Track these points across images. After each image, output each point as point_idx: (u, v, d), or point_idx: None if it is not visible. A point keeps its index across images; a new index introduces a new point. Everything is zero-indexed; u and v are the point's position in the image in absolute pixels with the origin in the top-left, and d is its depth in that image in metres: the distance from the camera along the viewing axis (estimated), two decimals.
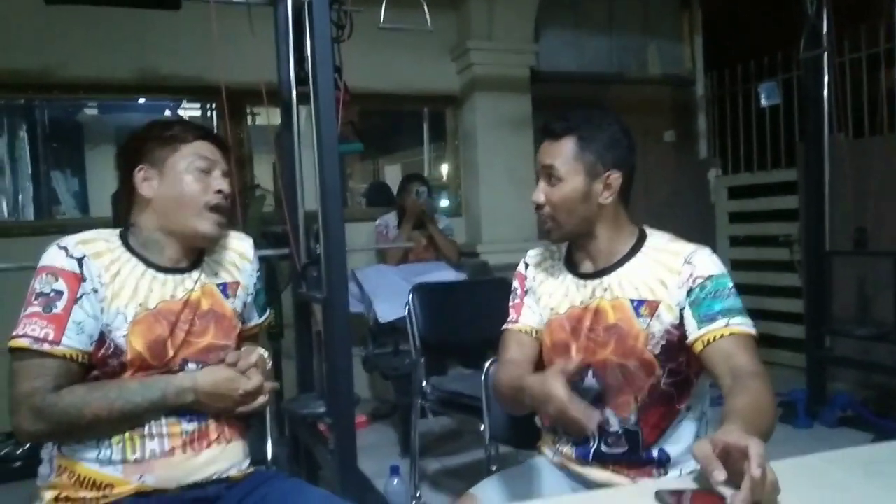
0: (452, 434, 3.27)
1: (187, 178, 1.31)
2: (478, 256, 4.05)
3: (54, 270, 1.21)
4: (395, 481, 2.36)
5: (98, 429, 1.20)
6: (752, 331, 1.23)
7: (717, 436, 0.93)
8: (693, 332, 1.24)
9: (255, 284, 1.50)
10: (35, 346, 1.17)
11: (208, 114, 4.02)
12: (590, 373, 1.34)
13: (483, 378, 1.68)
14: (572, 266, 1.42)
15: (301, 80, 2.24)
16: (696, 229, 4.92)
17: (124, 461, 1.22)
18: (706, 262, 1.28)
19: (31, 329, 1.17)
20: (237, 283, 1.43)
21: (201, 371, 1.29)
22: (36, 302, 1.20)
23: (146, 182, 1.31)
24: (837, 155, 3.50)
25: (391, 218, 3.79)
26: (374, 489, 2.00)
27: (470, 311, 2.59)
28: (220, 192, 1.34)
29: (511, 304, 1.50)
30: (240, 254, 1.47)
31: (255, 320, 1.53)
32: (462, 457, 3.06)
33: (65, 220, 3.73)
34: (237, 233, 1.48)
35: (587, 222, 1.34)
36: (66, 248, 1.23)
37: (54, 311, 1.19)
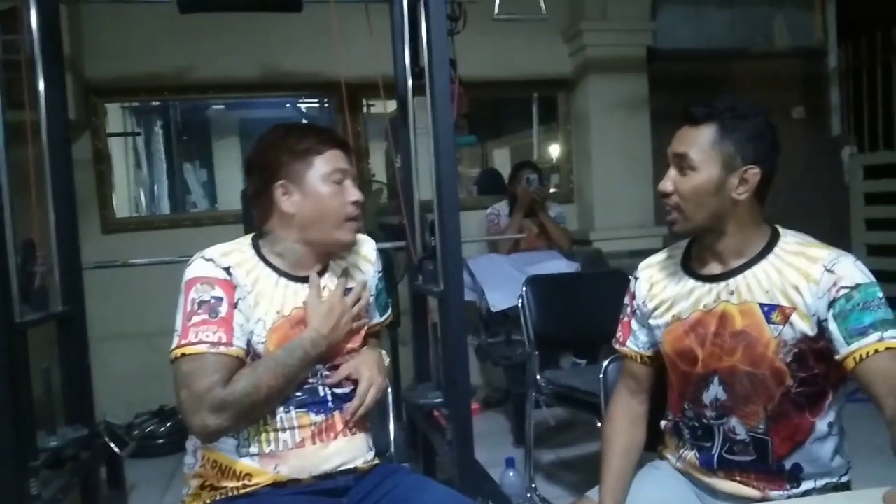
0: (567, 425, 3.25)
1: (326, 193, 1.36)
2: (591, 244, 3.97)
3: (209, 280, 1.28)
4: (511, 473, 2.38)
5: (272, 400, 1.27)
6: None
7: None
8: (842, 347, 1.15)
9: (376, 285, 1.54)
10: (212, 350, 1.22)
11: (326, 106, 4.15)
12: (715, 380, 1.29)
13: (601, 375, 1.64)
14: (694, 268, 1.36)
15: (416, 75, 2.28)
16: (828, 211, 4.63)
17: (260, 453, 1.29)
18: (851, 271, 1.18)
19: (204, 336, 1.22)
20: (361, 286, 1.48)
21: (310, 320, 1.35)
22: (200, 310, 1.24)
23: (286, 197, 1.35)
24: None
25: (502, 206, 3.79)
26: (492, 480, 2.02)
27: (584, 304, 2.55)
28: (355, 202, 1.39)
29: (621, 319, 1.48)
30: (363, 256, 1.52)
31: (377, 319, 1.58)
32: (577, 448, 3.03)
33: (198, 214, 3.97)
34: (361, 235, 1.52)
35: (716, 217, 1.26)
36: (212, 260, 1.30)
37: (220, 315, 1.25)
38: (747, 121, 1.24)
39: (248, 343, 1.29)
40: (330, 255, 1.44)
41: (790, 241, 1.27)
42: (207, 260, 1.30)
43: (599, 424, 1.92)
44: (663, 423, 1.44)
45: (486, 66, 3.80)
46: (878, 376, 1.10)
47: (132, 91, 3.72)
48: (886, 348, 1.11)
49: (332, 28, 2.15)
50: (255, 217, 1.43)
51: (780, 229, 1.31)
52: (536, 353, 2.51)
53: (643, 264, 1.46)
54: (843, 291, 1.16)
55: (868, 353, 1.12)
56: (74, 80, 3.33)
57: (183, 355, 1.22)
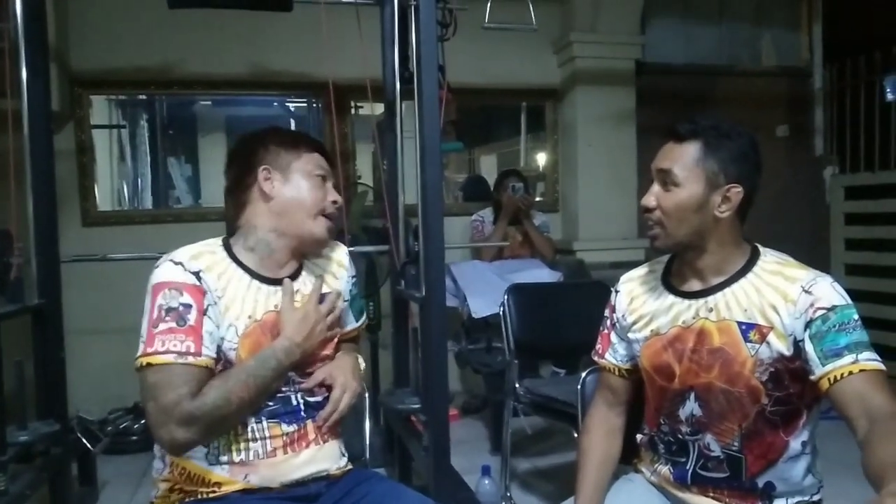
0: (544, 433, 3.25)
1: (308, 183, 1.38)
2: (574, 254, 3.99)
3: (177, 285, 1.23)
4: (487, 482, 2.38)
5: (243, 411, 1.25)
6: (883, 367, 1.14)
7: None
8: (817, 367, 1.15)
9: (350, 291, 1.53)
10: (180, 360, 1.18)
11: (314, 107, 4.13)
12: (692, 396, 1.30)
13: (579, 386, 1.65)
14: (674, 284, 1.36)
15: (405, 79, 2.28)
16: (809, 230, 4.68)
17: (230, 462, 1.27)
18: (828, 292, 1.18)
19: (172, 345, 1.19)
20: (334, 292, 1.46)
21: (284, 327, 1.33)
22: (167, 318, 1.20)
23: (268, 181, 1.36)
24: None
25: (487, 213, 3.79)
26: (467, 488, 2.02)
27: (565, 314, 2.56)
28: (335, 202, 1.40)
29: (600, 331, 1.49)
30: (337, 262, 1.51)
31: (352, 325, 1.56)
32: (554, 457, 3.04)
33: (181, 210, 3.94)
34: (333, 241, 1.51)
35: (698, 235, 1.26)
36: (181, 264, 1.26)
37: (188, 323, 1.21)
38: (731, 140, 1.25)
39: (219, 349, 1.26)
40: (302, 255, 1.43)
41: (769, 261, 1.28)
42: (176, 263, 1.26)
43: (576, 435, 1.93)
44: (639, 436, 1.45)
45: (475, 74, 3.81)
46: (852, 398, 1.11)
47: (118, 84, 3.69)
48: (861, 370, 1.12)
49: (322, 29, 2.15)
50: (230, 213, 1.42)
51: (760, 248, 1.31)
52: (516, 361, 2.51)
53: (624, 278, 1.47)
54: (819, 312, 1.17)
55: (843, 374, 1.13)
56: (59, 71, 3.30)
57: (149, 364, 1.19)
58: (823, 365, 1.15)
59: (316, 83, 3.26)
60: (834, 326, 1.16)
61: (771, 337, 1.21)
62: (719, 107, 4.61)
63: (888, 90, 3.86)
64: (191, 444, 1.21)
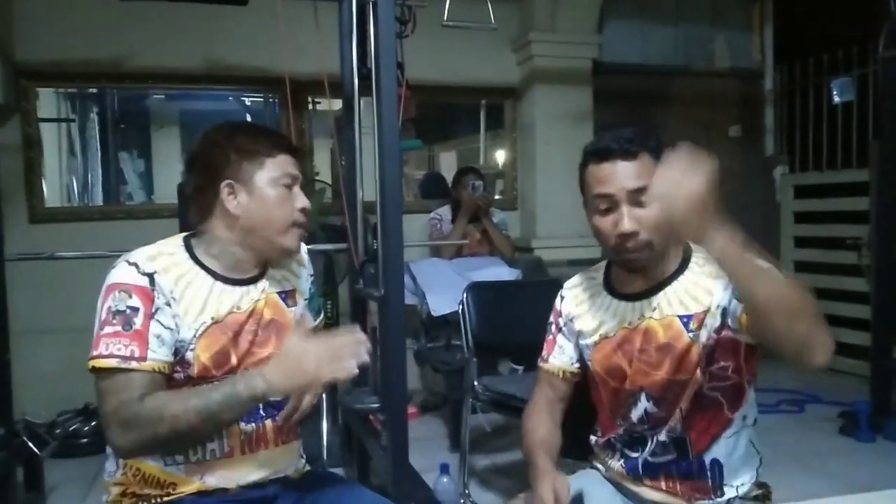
0: (502, 430, 3.27)
1: (274, 197, 1.30)
2: (532, 252, 4.02)
3: (127, 287, 1.21)
4: (445, 479, 2.38)
5: (181, 434, 1.15)
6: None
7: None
8: (737, 311, 1.19)
9: (309, 289, 1.50)
10: (123, 365, 1.16)
11: (270, 102, 4.08)
12: (644, 395, 1.33)
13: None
14: (616, 287, 1.39)
15: (363, 75, 2.26)
16: (759, 228, 4.79)
17: (186, 461, 1.25)
18: None
19: (115, 349, 1.17)
20: (295, 290, 1.44)
21: (271, 366, 1.20)
22: (114, 321, 1.18)
23: (232, 197, 1.29)
24: None
25: (445, 211, 3.79)
26: (425, 486, 2.01)
27: (524, 312, 2.56)
28: (303, 209, 1.34)
29: (546, 337, 1.50)
30: (297, 261, 1.48)
31: (310, 323, 1.53)
32: (512, 454, 3.05)
33: (133, 206, 3.85)
34: None
35: (668, 243, 1.28)
36: (136, 265, 1.23)
37: (134, 327, 1.18)
38: (662, 144, 1.25)
39: (179, 351, 1.23)
40: (269, 261, 1.40)
41: (702, 254, 1.31)
42: (131, 264, 1.23)
43: None
44: (593, 438, 1.47)
45: (434, 71, 3.81)
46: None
47: (67, 76, 3.58)
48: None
49: (279, 23, 2.12)
50: (194, 215, 1.36)
51: (692, 244, 1.34)
52: (475, 359, 2.51)
53: (567, 284, 1.49)
54: None
55: None
56: (3, 62, 3.19)
57: (95, 368, 1.17)
58: (740, 302, 1.18)
59: (272, 78, 3.21)
60: None
61: (706, 319, 1.26)
62: (674, 107, 4.69)
63: (835, 92, 3.97)
64: (131, 450, 1.18)
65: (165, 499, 1.24)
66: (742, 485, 1.32)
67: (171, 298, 1.24)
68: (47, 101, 3.76)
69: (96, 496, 1.31)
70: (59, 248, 2.96)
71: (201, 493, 1.25)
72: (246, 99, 4.23)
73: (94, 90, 3.90)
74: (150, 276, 1.23)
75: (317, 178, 3.78)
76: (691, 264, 1.32)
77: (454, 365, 2.97)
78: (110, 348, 1.17)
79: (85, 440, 3.14)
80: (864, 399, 3.32)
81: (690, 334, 1.26)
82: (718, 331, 1.25)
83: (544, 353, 1.50)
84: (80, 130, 4.13)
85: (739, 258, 1.05)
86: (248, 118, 4.28)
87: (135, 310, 1.19)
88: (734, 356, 1.27)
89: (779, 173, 4.83)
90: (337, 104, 2.61)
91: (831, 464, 2.84)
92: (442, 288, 3.27)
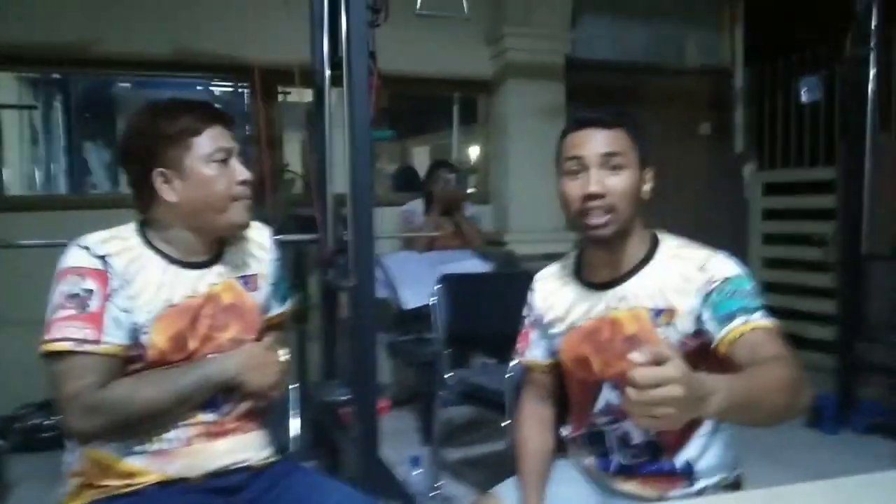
0: (474, 423, 3.27)
1: (209, 176, 1.26)
2: (504, 245, 4.01)
3: (80, 271, 1.19)
4: (417, 472, 2.36)
5: (152, 416, 1.19)
6: (774, 324, 1.18)
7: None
8: (716, 335, 1.19)
9: (275, 273, 1.47)
10: (77, 349, 1.15)
11: (240, 92, 4.02)
12: (608, 385, 1.32)
13: (507, 375, 1.66)
14: (585, 276, 1.38)
15: (335, 65, 2.22)
16: (728, 225, 4.85)
17: (146, 451, 1.22)
18: (722, 266, 1.24)
19: (70, 332, 1.15)
20: (257, 275, 1.41)
21: (240, 354, 1.30)
22: (69, 305, 1.17)
23: (167, 186, 1.26)
24: (879, 155, 3.40)
25: (418, 204, 3.77)
26: (396, 479, 2.00)
27: (496, 304, 2.56)
28: (243, 182, 1.30)
29: (520, 329, 1.50)
30: (259, 244, 1.45)
31: (277, 310, 1.51)
32: (484, 447, 3.05)
33: (97, 195, 3.77)
34: (255, 222, 1.44)
35: (633, 219, 1.28)
36: (87, 248, 1.22)
37: (89, 309, 1.17)
38: (641, 126, 1.30)
39: (135, 335, 1.21)
40: (223, 240, 1.37)
41: (670, 245, 1.32)
42: (83, 247, 1.21)
43: (504, 424, 1.95)
44: (563, 431, 1.46)
45: (408, 62, 3.76)
46: (746, 352, 1.14)
47: (27, 61, 3.47)
48: (752, 329, 1.16)
49: (248, 10, 2.08)
50: (137, 205, 1.32)
51: (659, 234, 1.35)
52: (446, 351, 2.50)
53: (538, 276, 1.49)
54: (715, 285, 1.22)
55: (735, 336, 1.16)
56: None
57: (49, 353, 1.15)
58: (719, 331, 1.19)
59: (242, 66, 3.15)
60: (727, 294, 1.20)
61: (676, 319, 1.25)
62: (645, 104, 4.72)
63: (803, 91, 4.02)
64: (94, 435, 1.18)
65: (126, 489, 1.21)
66: (715, 478, 1.32)
67: (124, 281, 1.22)
68: (8, 87, 3.66)
69: (59, 489, 1.27)
70: (21, 237, 2.87)
71: (163, 484, 1.22)
72: (215, 88, 4.16)
73: (58, 76, 3.82)
74: (103, 258, 1.21)
75: (287, 168, 3.73)
76: (658, 255, 1.31)
77: (425, 358, 2.96)
78: (64, 332, 1.15)
79: (48, 434, 3.05)
80: (830, 392, 3.38)
81: (660, 329, 1.26)
82: (696, 335, 1.24)
83: (519, 346, 1.49)
84: (43, 118, 4.03)
85: (742, 398, 0.97)
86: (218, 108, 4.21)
87: (89, 292, 1.18)
88: (708, 362, 1.24)
89: (748, 171, 4.90)
90: (308, 94, 2.57)
91: (798, 455, 2.88)
92: (413, 281, 3.25)
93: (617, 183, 1.25)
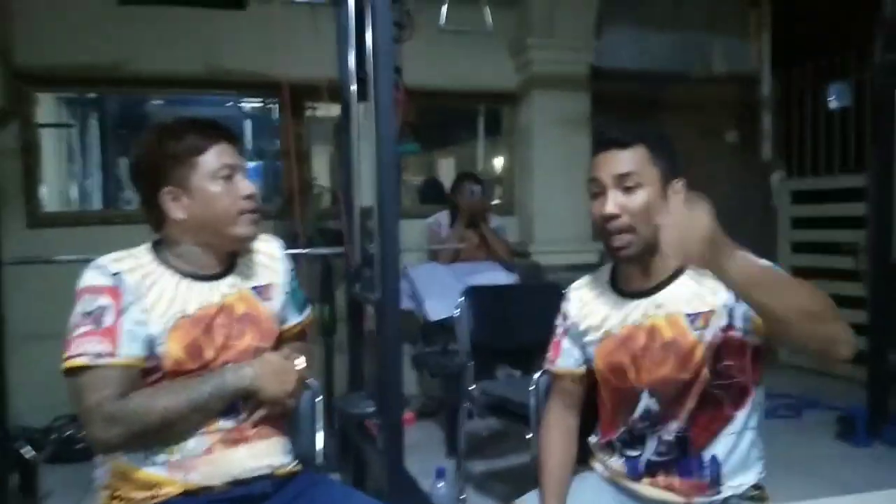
0: (499, 435, 3.27)
1: (215, 193, 1.32)
2: (529, 257, 4.02)
3: (94, 289, 1.25)
4: (441, 485, 2.37)
5: (170, 424, 1.22)
6: None
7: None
8: (750, 312, 1.21)
9: (289, 283, 1.50)
10: (95, 362, 1.20)
11: (269, 107, 4.09)
12: (646, 392, 1.33)
13: (532, 388, 1.66)
14: (621, 286, 1.40)
15: (361, 80, 2.26)
16: (756, 234, 4.79)
17: (167, 462, 1.25)
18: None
19: (87, 347, 1.20)
20: (271, 285, 1.45)
21: (257, 363, 1.33)
22: (86, 322, 1.22)
23: (175, 203, 1.31)
24: None
25: (444, 216, 3.79)
26: (421, 491, 2.01)
27: (521, 316, 2.58)
28: (248, 196, 1.35)
29: (552, 339, 1.51)
30: (269, 255, 1.48)
31: (295, 319, 1.53)
32: (508, 459, 3.05)
33: (131, 211, 3.84)
34: (263, 234, 1.48)
35: (658, 233, 1.28)
36: (100, 267, 1.27)
37: (104, 324, 1.22)
38: (664, 139, 1.32)
39: (151, 346, 1.26)
40: (234, 253, 1.41)
41: None
42: (97, 267, 1.27)
43: (528, 436, 1.95)
44: (593, 438, 1.47)
45: (433, 76, 3.80)
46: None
47: (66, 81, 3.59)
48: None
49: (277, 28, 2.13)
50: (150, 224, 1.38)
51: None
52: (471, 363, 2.51)
53: (573, 286, 1.51)
54: None
55: None
56: (2, 67, 3.20)
57: (69, 369, 1.21)
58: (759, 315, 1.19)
59: (271, 83, 3.20)
60: None
61: (712, 318, 1.27)
62: (671, 112, 4.69)
63: (832, 97, 3.98)
64: (116, 445, 1.22)
65: (153, 501, 1.24)
66: (741, 485, 1.32)
67: (137, 296, 1.27)
68: (47, 106, 3.77)
69: (91, 501, 1.31)
70: (58, 252, 2.95)
71: (188, 493, 1.25)
72: (245, 104, 4.24)
73: (94, 95, 3.92)
74: (116, 275, 1.26)
75: (315, 182, 3.78)
76: None
77: (451, 370, 2.97)
78: (81, 347, 1.21)
79: (80, 445, 3.12)
80: (861, 404, 3.32)
81: (696, 332, 1.27)
82: (725, 329, 1.26)
83: (551, 355, 1.50)
84: (80, 136, 4.14)
85: (759, 273, 1.10)
86: (248, 124, 4.29)
87: (104, 308, 1.23)
88: (740, 356, 1.28)
89: (776, 178, 4.84)
90: (336, 109, 2.61)
91: (828, 468, 2.84)
92: (439, 293, 3.27)
93: (632, 202, 1.28)
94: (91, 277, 1.26)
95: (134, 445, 1.24)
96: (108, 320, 1.22)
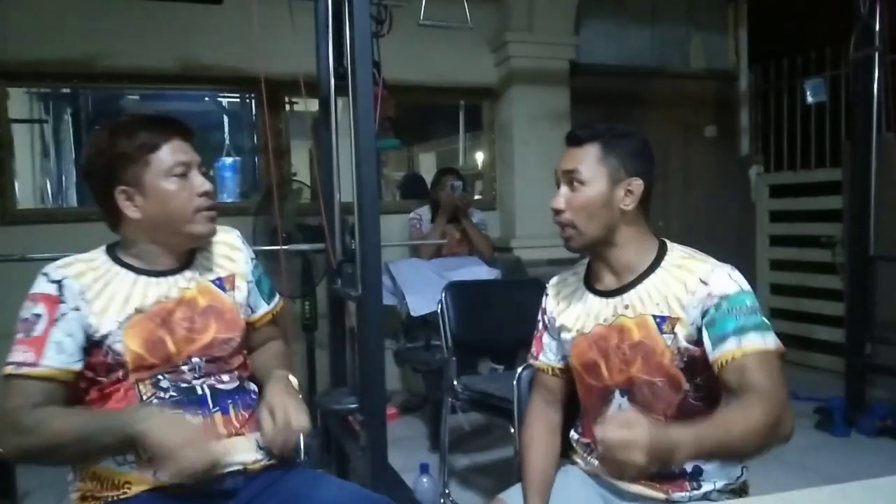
0: (482, 430, 3.27)
1: (169, 191, 1.28)
2: (511, 251, 4.02)
3: (34, 297, 1.24)
4: (425, 479, 2.37)
5: (61, 447, 1.17)
6: (768, 346, 1.20)
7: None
8: (710, 354, 1.23)
9: (252, 272, 1.48)
10: (16, 371, 1.19)
11: (247, 102, 4.05)
12: (618, 392, 1.34)
13: (515, 382, 1.66)
14: (593, 283, 1.41)
15: (340, 75, 2.25)
16: (735, 227, 4.85)
17: (137, 459, 1.23)
18: (723, 282, 1.25)
19: (14, 355, 1.21)
20: (233, 275, 1.43)
21: (157, 418, 1.17)
22: (21, 329, 1.22)
23: (129, 203, 1.29)
24: (885, 156, 3.40)
25: (425, 211, 3.79)
26: (405, 486, 2.01)
27: (503, 311, 2.58)
28: (204, 193, 1.32)
29: (534, 333, 1.52)
30: (229, 245, 1.46)
31: (264, 308, 1.51)
32: (492, 453, 3.06)
33: None
34: (221, 227, 1.44)
35: (608, 229, 1.32)
36: (46, 274, 1.26)
37: (33, 334, 1.21)
38: (627, 138, 1.33)
39: (100, 346, 1.24)
40: (191, 250, 1.39)
41: (676, 255, 1.34)
42: (43, 274, 1.26)
43: (513, 430, 1.95)
44: (574, 435, 1.47)
45: (412, 71, 3.80)
46: (735, 378, 1.19)
47: (38, 76, 3.52)
48: (742, 354, 1.19)
49: (254, 22, 2.10)
50: (107, 223, 1.35)
51: (668, 243, 1.37)
52: (454, 358, 2.51)
53: (552, 281, 1.52)
54: (714, 301, 1.24)
55: (727, 359, 1.20)
56: None
57: (4, 375, 1.21)
58: (713, 351, 1.22)
59: (248, 78, 3.18)
60: (725, 313, 1.23)
61: (678, 327, 1.27)
62: (650, 107, 4.73)
63: (809, 93, 4.02)
64: (17, 453, 1.21)
65: (122, 497, 1.23)
66: (720, 479, 1.33)
67: (81, 301, 1.25)
68: (19, 102, 3.71)
69: (69, 502, 1.29)
70: (33, 249, 2.90)
71: (157, 490, 1.23)
72: (222, 99, 4.20)
73: (68, 90, 3.86)
74: (58, 282, 1.25)
75: (294, 178, 3.76)
76: (664, 262, 1.33)
77: (433, 365, 2.97)
78: (10, 355, 1.20)
79: None
80: (839, 395, 3.37)
81: (665, 336, 1.28)
82: (696, 344, 1.26)
83: (533, 350, 1.51)
84: (54, 131, 4.07)
85: (708, 450, 1.12)
86: (225, 119, 4.25)
87: (37, 316, 1.23)
88: (712, 369, 1.27)
89: (754, 173, 4.89)
90: (314, 104, 2.59)
91: (807, 458, 2.87)
92: (421, 288, 3.26)
93: (574, 199, 1.31)
94: (35, 285, 1.26)
95: (37, 460, 1.23)
96: (38, 329, 1.21)
